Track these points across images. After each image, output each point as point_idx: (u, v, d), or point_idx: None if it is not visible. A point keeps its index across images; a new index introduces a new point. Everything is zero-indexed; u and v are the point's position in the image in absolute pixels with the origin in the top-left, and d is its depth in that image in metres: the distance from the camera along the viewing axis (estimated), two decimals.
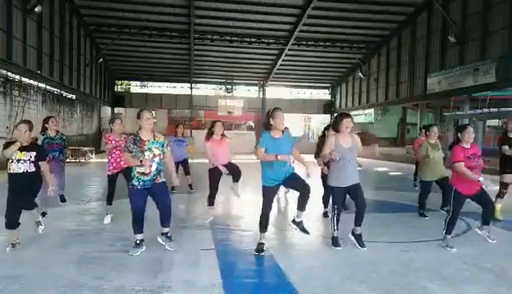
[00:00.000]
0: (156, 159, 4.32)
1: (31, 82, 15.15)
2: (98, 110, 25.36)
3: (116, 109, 28.38)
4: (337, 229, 4.71)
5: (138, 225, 4.37)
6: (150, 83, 30.44)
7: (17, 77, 14.05)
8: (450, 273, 3.96)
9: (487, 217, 4.94)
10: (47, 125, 6.05)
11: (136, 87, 30.90)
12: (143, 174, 4.28)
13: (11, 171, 4.37)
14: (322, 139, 6.25)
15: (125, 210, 6.05)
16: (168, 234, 4.52)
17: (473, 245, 4.93)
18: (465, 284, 3.68)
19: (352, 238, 4.73)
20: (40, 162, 4.50)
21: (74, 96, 20.09)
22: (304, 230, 4.52)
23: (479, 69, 14.77)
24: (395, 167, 16.21)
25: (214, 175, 6.06)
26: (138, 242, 4.39)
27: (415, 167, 9.65)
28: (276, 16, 19.75)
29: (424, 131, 7.53)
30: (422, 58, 19.04)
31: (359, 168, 5.04)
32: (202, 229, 5.58)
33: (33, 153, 4.44)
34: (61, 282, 3.51)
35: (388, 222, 4.98)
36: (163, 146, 4.38)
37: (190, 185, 8.68)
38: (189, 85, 28.71)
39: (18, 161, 4.35)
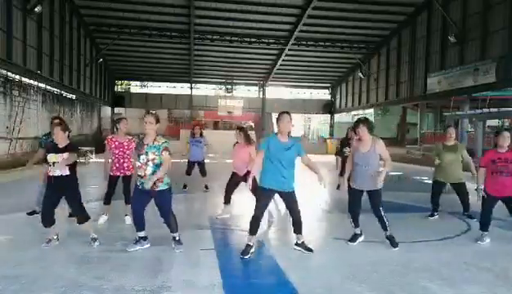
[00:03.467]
0: (150, 163, 4.26)
1: (31, 82, 15.16)
2: (98, 110, 25.37)
3: (116, 109, 28.43)
4: (355, 227, 4.83)
5: (136, 223, 4.45)
6: (150, 83, 30.53)
7: (17, 77, 14.06)
8: (450, 273, 3.96)
9: None
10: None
11: (136, 87, 30.97)
12: (140, 176, 4.35)
13: (50, 174, 4.42)
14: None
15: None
16: (177, 238, 4.55)
17: (473, 245, 4.94)
18: (465, 284, 3.68)
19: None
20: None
21: (74, 96, 20.10)
22: (308, 249, 4.51)
23: (479, 69, 14.78)
24: (395, 167, 16.15)
25: (234, 179, 6.04)
26: (138, 238, 4.45)
27: None
28: (276, 16, 19.77)
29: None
30: (422, 58, 19.04)
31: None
32: (202, 229, 5.58)
33: (66, 155, 4.37)
34: (61, 282, 3.51)
35: None
36: (158, 150, 4.27)
37: (206, 185, 8.80)
38: (189, 85, 28.74)
39: (54, 163, 4.37)
